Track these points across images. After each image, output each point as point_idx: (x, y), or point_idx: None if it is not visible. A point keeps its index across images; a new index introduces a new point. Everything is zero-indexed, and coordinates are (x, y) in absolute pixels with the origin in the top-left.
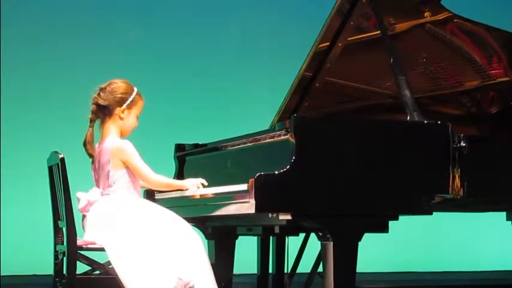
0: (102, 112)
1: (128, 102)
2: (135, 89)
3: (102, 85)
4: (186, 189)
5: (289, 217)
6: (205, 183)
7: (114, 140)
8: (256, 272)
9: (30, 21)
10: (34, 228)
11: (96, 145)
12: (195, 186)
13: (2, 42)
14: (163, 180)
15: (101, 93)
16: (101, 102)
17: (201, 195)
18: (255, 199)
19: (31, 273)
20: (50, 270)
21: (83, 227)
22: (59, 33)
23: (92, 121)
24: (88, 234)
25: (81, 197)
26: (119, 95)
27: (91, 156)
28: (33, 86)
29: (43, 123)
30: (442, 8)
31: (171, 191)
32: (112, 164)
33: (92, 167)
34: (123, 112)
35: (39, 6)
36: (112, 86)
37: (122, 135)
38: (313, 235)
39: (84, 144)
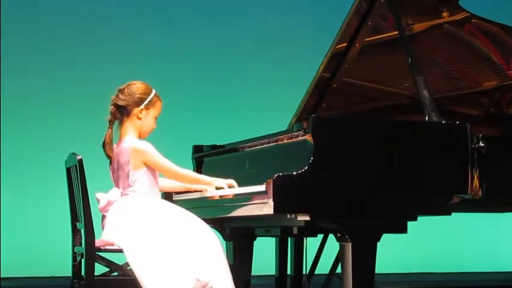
0: (121, 113)
1: (146, 102)
2: (154, 90)
3: (121, 86)
4: (214, 187)
5: (307, 218)
6: (235, 185)
7: (132, 141)
8: (274, 273)
9: (45, 25)
10: (52, 230)
11: (114, 146)
12: (226, 185)
13: (19, 48)
14: (192, 174)
15: (120, 95)
16: (120, 103)
17: (219, 196)
18: (274, 200)
19: (49, 275)
20: (68, 272)
21: (103, 227)
22: (76, 38)
23: (110, 122)
24: (106, 234)
25: (101, 198)
26: (137, 95)
27: (109, 157)
28: (49, 90)
29: (60, 126)
30: (460, 8)
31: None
32: (132, 164)
33: (110, 168)
34: (141, 112)
35: (57, 9)
36: (130, 87)
37: (140, 136)
38: (331, 236)
39: (103, 146)
